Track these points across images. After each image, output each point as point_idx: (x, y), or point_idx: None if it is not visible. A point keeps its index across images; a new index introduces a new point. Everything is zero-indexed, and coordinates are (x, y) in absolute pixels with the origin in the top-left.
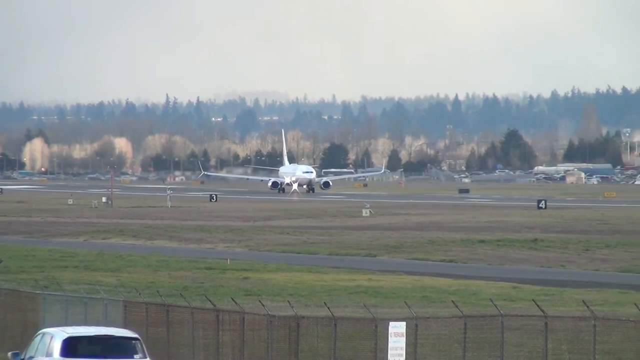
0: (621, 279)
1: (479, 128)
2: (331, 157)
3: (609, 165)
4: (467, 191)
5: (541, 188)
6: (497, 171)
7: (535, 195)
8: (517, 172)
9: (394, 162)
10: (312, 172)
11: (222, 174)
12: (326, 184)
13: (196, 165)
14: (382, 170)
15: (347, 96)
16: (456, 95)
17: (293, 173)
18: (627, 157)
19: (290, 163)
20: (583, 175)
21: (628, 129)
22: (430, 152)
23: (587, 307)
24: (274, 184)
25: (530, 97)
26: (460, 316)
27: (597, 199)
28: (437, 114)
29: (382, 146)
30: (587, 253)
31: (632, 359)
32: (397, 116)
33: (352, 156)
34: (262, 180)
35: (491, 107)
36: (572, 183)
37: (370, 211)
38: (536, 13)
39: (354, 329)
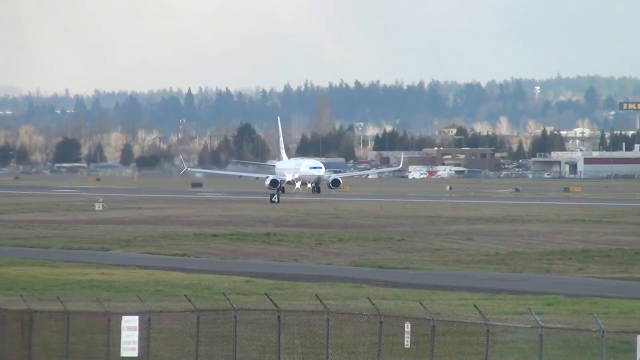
0: (354, 272)
1: (212, 122)
2: (64, 152)
3: (342, 160)
4: (200, 185)
5: None
6: (230, 165)
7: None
8: (250, 167)
9: (127, 156)
10: (320, 167)
11: (215, 170)
12: (335, 182)
13: None
14: (400, 166)
15: (81, 90)
16: (189, 90)
17: (296, 169)
18: (360, 151)
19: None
20: None
21: (361, 123)
22: (163, 146)
23: (320, 301)
24: (273, 182)
25: (264, 91)
26: (193, 310)
27: (330, 192)
28: (170, 108)
29: (115, 140)
30: (320, 247)
31: (364, 352)
32: (130, 110)
33: (84, 150)
34: (257, 178)
35: (224, 101)
36: None
37: (103, 205)
38: (269, 8)
39: (87, 323)
